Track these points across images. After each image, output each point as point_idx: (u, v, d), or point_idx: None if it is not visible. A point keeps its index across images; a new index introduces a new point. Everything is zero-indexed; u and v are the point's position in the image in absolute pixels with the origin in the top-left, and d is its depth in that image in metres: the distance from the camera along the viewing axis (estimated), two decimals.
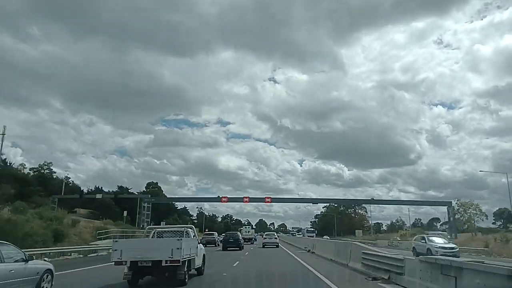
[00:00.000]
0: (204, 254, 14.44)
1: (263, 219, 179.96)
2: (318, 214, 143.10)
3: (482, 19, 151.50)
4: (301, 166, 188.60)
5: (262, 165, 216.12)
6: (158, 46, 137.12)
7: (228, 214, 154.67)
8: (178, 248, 10.45)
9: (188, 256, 11.49)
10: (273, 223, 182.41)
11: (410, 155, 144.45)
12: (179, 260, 10.51)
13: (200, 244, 14.00)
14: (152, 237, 13.42)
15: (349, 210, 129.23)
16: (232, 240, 34.81)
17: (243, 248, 34.38)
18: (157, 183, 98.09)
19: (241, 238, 36.72)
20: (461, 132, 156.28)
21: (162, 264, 10.45)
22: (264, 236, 45.41)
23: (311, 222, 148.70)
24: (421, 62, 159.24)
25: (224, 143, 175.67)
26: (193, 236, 13.80)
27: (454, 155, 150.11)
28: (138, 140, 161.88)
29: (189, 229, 14.12)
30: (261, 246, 39.77)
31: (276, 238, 42.46)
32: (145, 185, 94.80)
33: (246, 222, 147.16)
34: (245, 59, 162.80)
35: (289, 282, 13.13)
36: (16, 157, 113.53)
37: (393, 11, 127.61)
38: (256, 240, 60.03)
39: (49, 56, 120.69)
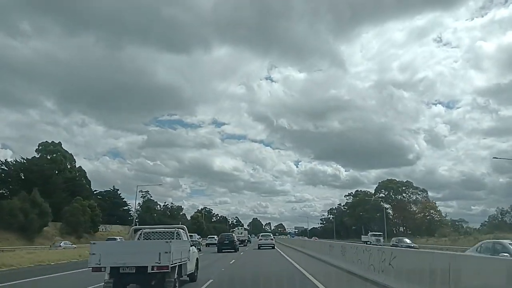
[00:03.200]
0: (197, 258, 13.01)
1: (258, 219, 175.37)
2: (333, 209, 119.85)
3: (483, 16, 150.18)
4: (297, 167, 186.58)
5: (257, 166, 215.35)
6: (152, 42, 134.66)
7: (204, 207, 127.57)
8: (166, 252, 9.00)
9: (179, 261, 10.03)
10: (269, 223, 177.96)
11: (408, 155, 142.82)
12: (168, 266, 9.04)
13: (193, 247, 12.49)
14: (138, 239, 11.88)
15: (395, 196, 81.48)
16: (227, 241, 34.80)
17: (238, 250, 34.21)
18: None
19: (236, 240, 36.56)
20: (459, 132, 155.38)
21: (148, 271, 8.97)
22: (259, 238, 44.70)
23: (321, 220, 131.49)
24: (420, 61, 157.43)
25: (219, 144, 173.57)
26: (186, 238, 12.28)
27: (452, 156, 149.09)
28: (131, 141, 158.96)
29: (180, 229, 12.60)
30: (256, 247, 39.10)
31: (272, 240, 42.61)
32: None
33: (235, 221, 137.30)
34: (241, 56, 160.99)
35: None
36: (6, 159, 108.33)
37: (396, 5, 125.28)
38: (250, 242, 58.59)
39: (40, 53, 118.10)
